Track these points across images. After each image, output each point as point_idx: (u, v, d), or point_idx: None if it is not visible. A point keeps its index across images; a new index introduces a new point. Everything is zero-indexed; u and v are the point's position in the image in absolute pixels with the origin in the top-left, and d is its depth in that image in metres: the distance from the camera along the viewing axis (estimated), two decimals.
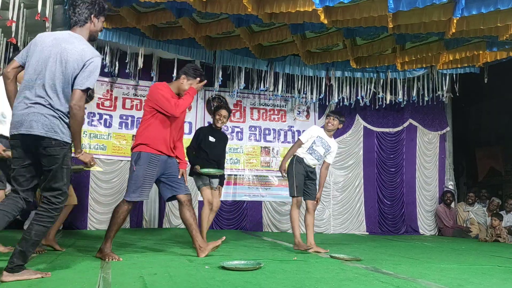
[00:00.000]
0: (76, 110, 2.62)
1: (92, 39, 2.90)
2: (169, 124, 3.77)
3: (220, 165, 5.10)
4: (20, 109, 2.61)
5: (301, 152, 4.78)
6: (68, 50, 2.66)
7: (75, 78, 2.65)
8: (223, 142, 5.27)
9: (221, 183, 5.16)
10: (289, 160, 4.80)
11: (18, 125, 2.59)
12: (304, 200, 4.79)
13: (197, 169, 4.86)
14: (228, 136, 8.00)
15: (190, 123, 7.72)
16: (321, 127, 5.01)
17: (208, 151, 5.00)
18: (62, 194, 2.70)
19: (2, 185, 3.67)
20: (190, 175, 4.90)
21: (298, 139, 4.92)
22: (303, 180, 4.74)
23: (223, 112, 5.10)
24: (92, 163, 2.97)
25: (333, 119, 4.81)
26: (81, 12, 2.81)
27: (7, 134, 3.13)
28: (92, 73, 2.68)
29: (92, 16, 2.83)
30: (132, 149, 3.79)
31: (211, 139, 5.06)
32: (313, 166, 4.85)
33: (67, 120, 2.66)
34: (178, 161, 3.89)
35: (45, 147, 2.59)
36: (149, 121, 3.74)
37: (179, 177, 3.87)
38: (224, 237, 3.99)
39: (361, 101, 7.88)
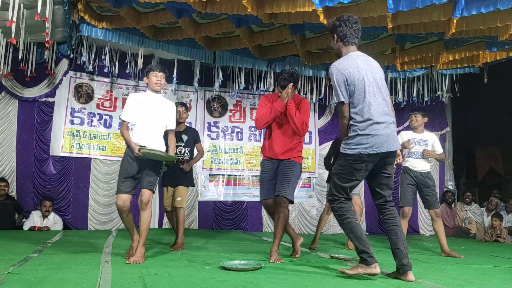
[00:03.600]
0: None
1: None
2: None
3: None
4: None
5: (404, 161, 4.79)
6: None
7: None
8: None
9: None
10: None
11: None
12: (427, 209, 4.89)
13: None
14: (228, 137, 8.08)
15: (190, 123, 7.71)
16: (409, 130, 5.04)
17: None
18: None
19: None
20: (327, 181, 5.01)
21: None
22: (411, 190, 4.75)
23: None
24: None
25: (415, 116, 4.89)
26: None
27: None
28: None
29: None
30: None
31: None
32: (425, 170, 4.78)
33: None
34: None
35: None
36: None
37: None
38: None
39: None
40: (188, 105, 5.41)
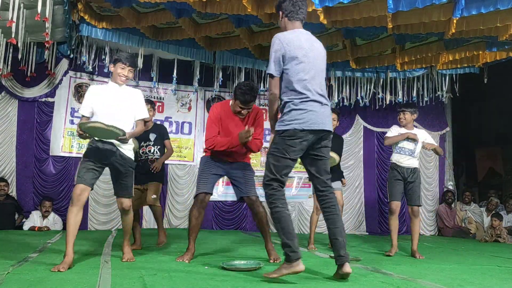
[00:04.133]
0: None
1: None
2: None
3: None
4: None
5: (392, 157, 4.73)
6: None
7: None
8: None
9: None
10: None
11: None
12: (408, 205, 4.78)
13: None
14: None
15: (190, 123, 7.72)
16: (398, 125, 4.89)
17: None
18: None
19: None
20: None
21: (385, 136, 4.81)
22: (400, 186, 4.65)
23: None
24: None
25: (404, 114, 4.76)
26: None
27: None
28: None
29: None
30: None
31: None
32: (411, 166, 4.68)
33: None
34: None
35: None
36: None
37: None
38: None
39: (361, 101, 7.88)
40: (155, 105, 5.21)
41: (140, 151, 4.69)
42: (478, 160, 9.94)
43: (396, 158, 4.69)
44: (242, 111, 3.66)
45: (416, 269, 3.55)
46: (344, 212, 8.23)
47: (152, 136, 4.75)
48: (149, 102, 4.78)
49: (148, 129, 4.62)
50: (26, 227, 6.32)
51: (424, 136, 4.83)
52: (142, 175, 4.53)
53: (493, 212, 7.58)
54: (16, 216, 6.50)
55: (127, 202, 3.51)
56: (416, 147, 4.70)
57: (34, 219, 6.43)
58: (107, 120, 3.21)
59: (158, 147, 4.78)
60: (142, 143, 4.71)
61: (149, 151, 4.73)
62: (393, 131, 4.78)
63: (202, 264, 3.43)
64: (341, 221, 2.93)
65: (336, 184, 4.87)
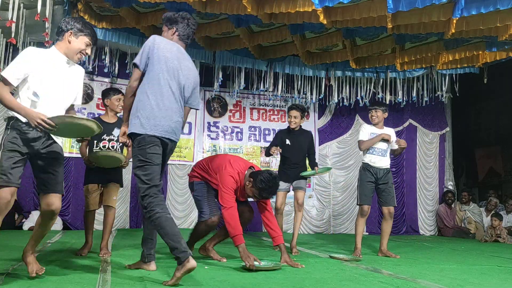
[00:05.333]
0: None
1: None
2: None
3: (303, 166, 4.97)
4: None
5: (364, 157, 4.65)
6: None
7: None
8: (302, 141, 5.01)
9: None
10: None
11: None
12: (381, 206, 4.72)
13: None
14: (228, 137, 8.07)
15: (189, 123, 7.72)
16: (371, 124, 4.79)
17: (288, 155, 4.88)
18: None
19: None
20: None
21: (359, 141, 4.68)
22: (371, 188, 4.59)
23: (293, 112, 4.89)
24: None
25: (375, 111, 4.67)
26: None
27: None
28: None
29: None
30: None
31: (287, 142, 4.93)
32: (384, 167, 4.63)
33: None
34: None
35: None
36: None
37: None
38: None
39: (360, 101, 7.88)
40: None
41: (101, 145, 4.02)
42: (478, 160, 9.94)
43: (369, 158, 4.60)
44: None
45: (416, 269, 3.55)
46: (344, 212, 8.25)
47: (116, 132, 4.02)
48: (119, 92, 4.24)
49: (113, 122, 4.11)
50: (26, 227, 6.32)
51: (393, 134, 4.80)
52: (99, 173, 4.01)
53: (493, 212, 7.58)
54: (16, 216, 6.50)
55: (58, 203, 2.82)
56: (388, 147, 4.68)
57: (34, 219, 6.42)
58: (52, 101, 2.66)
59: (121, 144, 3.99)
60: (104, 136, 4.02)
61: (112, 147, 4.06)
62: (365, 132, 4.68)
63: (202, 264, 3.43)
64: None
65: (300, 183, 4.86)
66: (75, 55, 2.76)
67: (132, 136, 2.88)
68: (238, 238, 3.35)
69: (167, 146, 2.95)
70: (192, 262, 2.56)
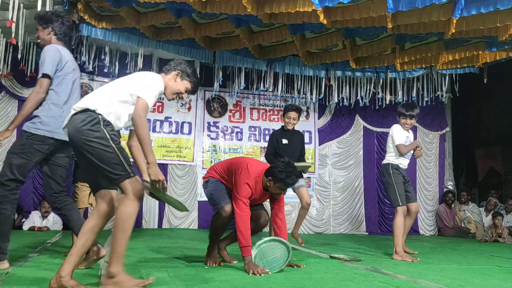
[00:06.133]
0: None
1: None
2: None
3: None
4: None
5: (395, 159, 4.63)
6: None
7: None
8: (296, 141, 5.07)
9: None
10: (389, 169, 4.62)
11: None
12: (408, 204, 4.64)
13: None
14: (228, 137, 8.07)
15: (190, 123, 7.72)
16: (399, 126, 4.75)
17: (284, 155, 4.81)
18: None
19: None
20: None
21: (398, 145, 4.58)
22: (403, 187, 4.59)
23: (292, 114, 4.94)
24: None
25: (411, 119, 4.72)
26: None
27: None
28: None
29: None
30: None
31: (284, 141, 4.97)
32: (406, 166, 4.74)
33: None
34: None
35: None
36: None
37: None
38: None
39: (360, 101, 7.88)
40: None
41: None
42: (478, 160, 9.93)
43: (399, 161, 4.66)
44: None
45: (416, 269, 3.55)
46: (344, 212, 8.25)
47: None
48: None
49: None
50: (25, 227, 6.32)
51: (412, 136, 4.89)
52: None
53: (493, 211, 7.58)
54: (16, 216, 6.49)
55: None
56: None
57: (34, 219, 6.43)
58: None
59: None
60: None
61: None
62: (401, 135, 4.68)
63: (202, 264, 3.43)
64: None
65: (300, 182, 4.89)
66: (171, 94, 2.77)
67: None
68: (246, 250, 3.21)
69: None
70: (5, 264, 2.91)
